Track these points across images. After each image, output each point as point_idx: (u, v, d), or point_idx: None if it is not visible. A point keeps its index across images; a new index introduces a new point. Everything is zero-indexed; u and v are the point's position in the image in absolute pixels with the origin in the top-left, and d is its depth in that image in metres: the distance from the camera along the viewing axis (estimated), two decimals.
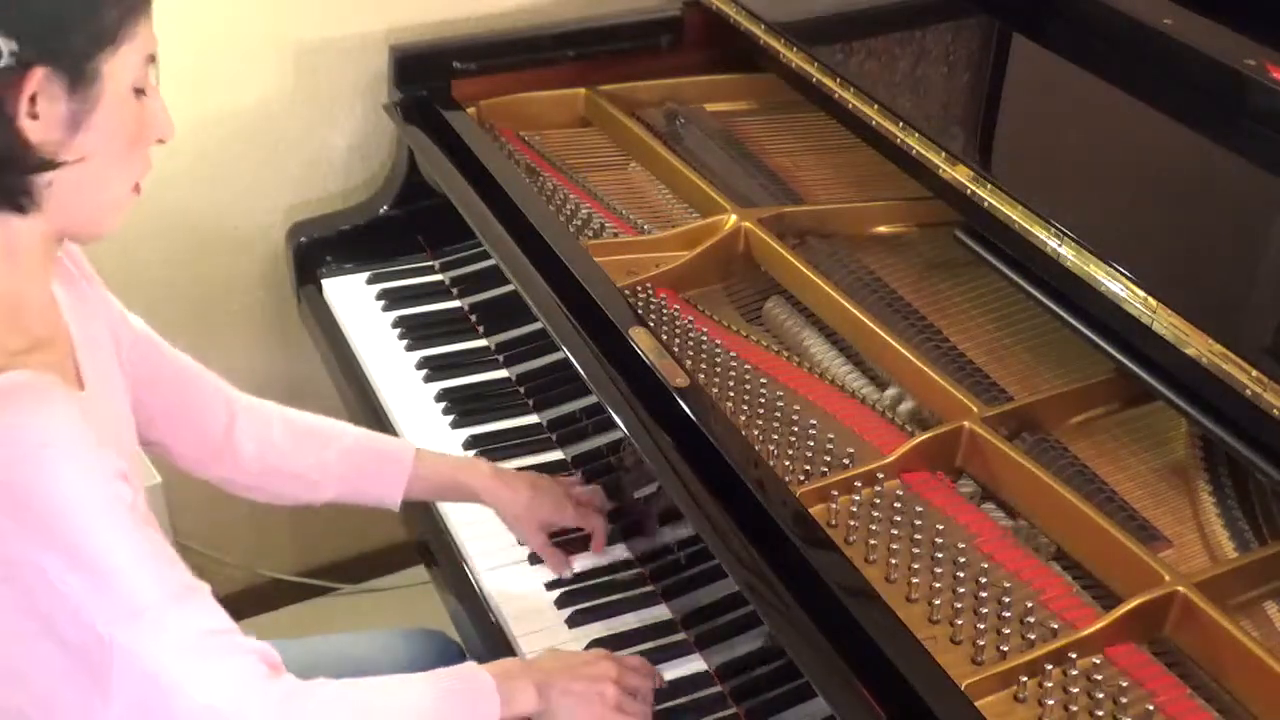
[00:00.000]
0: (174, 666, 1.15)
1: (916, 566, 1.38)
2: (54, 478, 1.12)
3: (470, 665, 1.34)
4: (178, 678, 1.15)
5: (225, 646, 1.19)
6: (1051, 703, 1.26)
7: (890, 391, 1.63)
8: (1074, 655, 1.28)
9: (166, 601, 1.15)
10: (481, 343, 1.96)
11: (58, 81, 1.12)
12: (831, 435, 1.54)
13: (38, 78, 1.10)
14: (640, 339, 1.56)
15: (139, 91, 1.19)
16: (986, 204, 1.57)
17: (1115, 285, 1.42)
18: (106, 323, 1.37)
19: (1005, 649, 1.30)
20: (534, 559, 1.62)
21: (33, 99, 1.11)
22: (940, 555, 1.40)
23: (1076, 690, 1.26)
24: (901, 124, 1.71)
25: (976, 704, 1.20)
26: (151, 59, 1.21)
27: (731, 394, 1.61)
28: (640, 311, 1.66)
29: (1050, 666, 1.28)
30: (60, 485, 1.12)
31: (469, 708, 1.29)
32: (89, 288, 1.35)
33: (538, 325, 1.72)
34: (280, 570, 2.53)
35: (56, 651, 1.19)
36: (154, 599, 1.15)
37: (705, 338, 1.69)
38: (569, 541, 1.63)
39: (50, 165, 1.15)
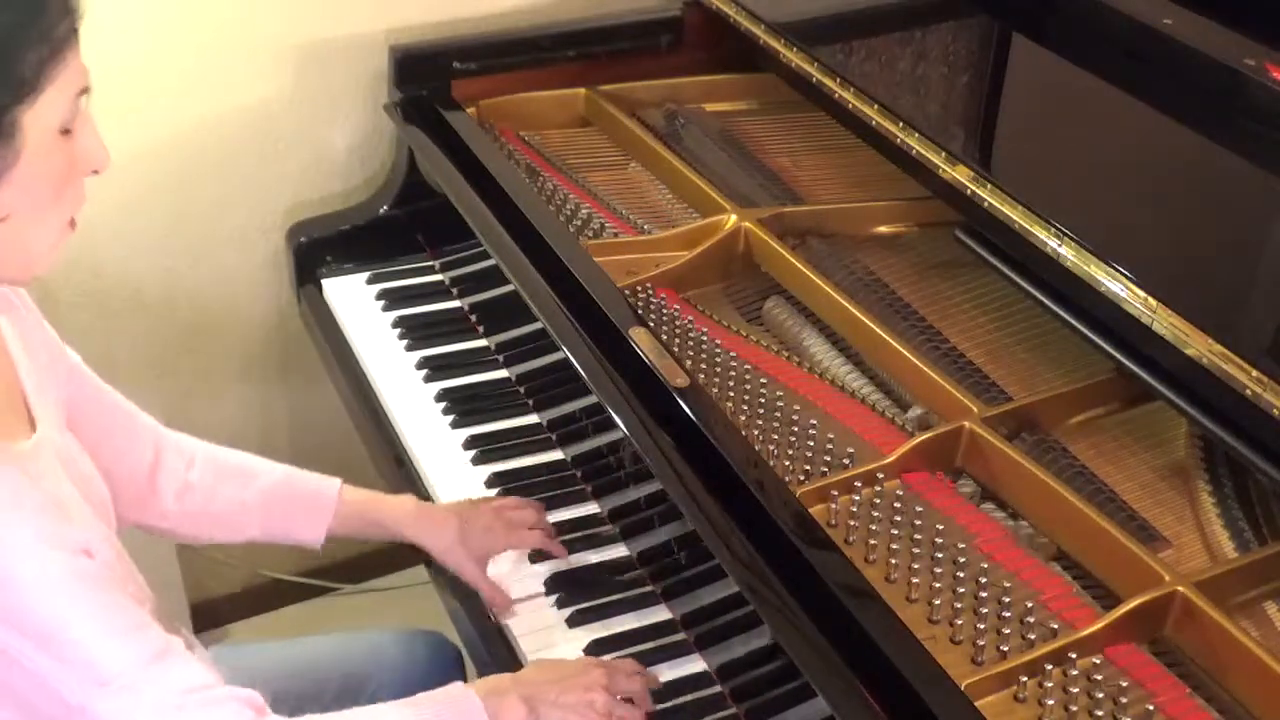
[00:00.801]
0: None
1: (916, 566, 1.38)
2: (7, 561, 1.10)
3: (458, 685, 1.33)
4: None
5: (203, 701, 1.17)
6: (1051, 703, 1.26)
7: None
8: (1074, 655, 1.28)
9: (137, 667, 1.14)
10: (481, 343, 1.96)
11: None
12: (831, 435, 1.54)
13: None
14: (640, 339, 1.56)
15: (66, 132, 1.12)
16: (986, 204, 1.57)
17: (1115, 285, 1.42)
18: (45, 346, 1.34)
19: (1005, 649, 1.30)
20: (534, 558, 1.61)
21: None
22: (940, 555, 1.40)
23: (1076, 690, 1.26)
24: (901, 124, 1.71)
25: (976, 704, 1.20)
26: (84, 91, 1.13)
27: (731, 394, 1.61)
28: (640, 311, 1.66)
29: (1050, 666, 1.28)
30: (12, 570, 1.10)
31: None
32: (27, 314, 1.32)
33: (538, 325, 1.72)
34: (280, 570, 2.53)
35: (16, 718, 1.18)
36: (123, 667, 1.13)
37: (705, 338, 1.69)
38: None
39: None
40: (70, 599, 1.12)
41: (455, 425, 1.81)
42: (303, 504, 1.56)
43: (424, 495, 1.71)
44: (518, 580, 1.59)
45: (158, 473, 1.51)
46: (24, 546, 1.11)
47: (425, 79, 2.06)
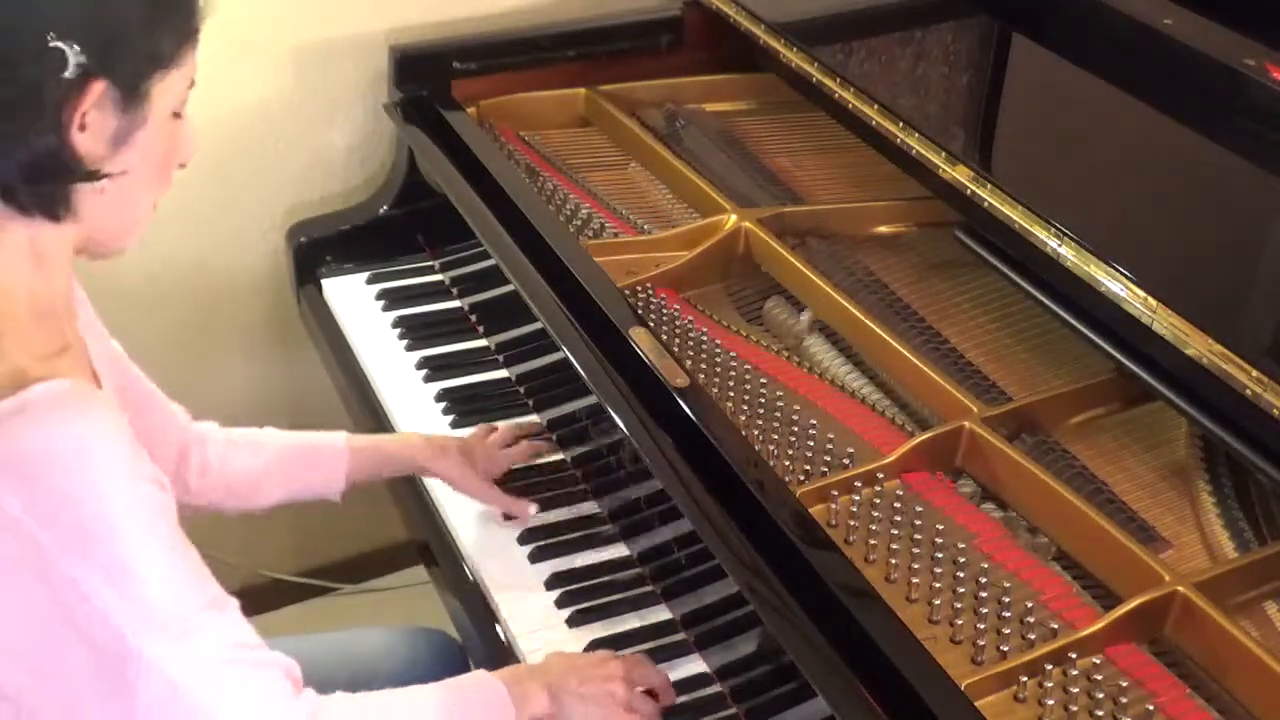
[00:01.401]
0: (200, 680, 1.15)
1: (916, 566, 1.38)
2: (93, 487, 1.12)
3: (481, 672, 1.35)
4: (203, 692, 1.15)
5: (251, 661, 1.19)
6: (1051, 703, 1.26)
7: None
8: (1074, 655, 1.28)
9: (197, 614, 1.16)
10: (481, 343, 1.96)
11: (112, 96, 1.14)
12: (831, 435, 1.54)
13: (96, 91, 1.12)
14: (640, 339, 1.56)
15: (176, 115, 1.21)
16: (986, 204, 1.57)
17: (1115, 285, 1.42)
18: (99, 338, 1.38)
19: (1005, 649, 1.30)
20: (534, 558, 1.61)
21: (85, 111, 1.12)
22: (940, 555, 1.40)
23: (1076, 690, 1.26)
24: (901, 124, 1.71)
25: (976, 704, 1.20)
26: (192, 84, 1.23)
27: (731, 394, 1.61)
28: (640, 311, 1.66)
29: (1050, 666, 1.28)
30: (98, 495, 1.12)
31: (486, 713, 1.29)
32: (85, 305, 1.36)
33: (538, 325, 1.72)
34: (280, 570, 2.53)
35: (86, 656, 1.19)
36: (184, 612, 1.15)
37: (705, 338, 1.69)
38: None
39: (92, 177, 1.16)
40: (148, 530, 1.14)
41: (455, 425, 1.81)
42: (316, 458, 1.60)
43: (424, 494, 1.71)
44: (518, 580, 1.59)
45: (186, 460, 1.54)
46: (117, 473, 1.13)
47: (425, 79, 2.06)
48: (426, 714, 1.27)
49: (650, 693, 1.40)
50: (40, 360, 1.15)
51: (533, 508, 1.64)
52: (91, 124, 1.13)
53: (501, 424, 1.74)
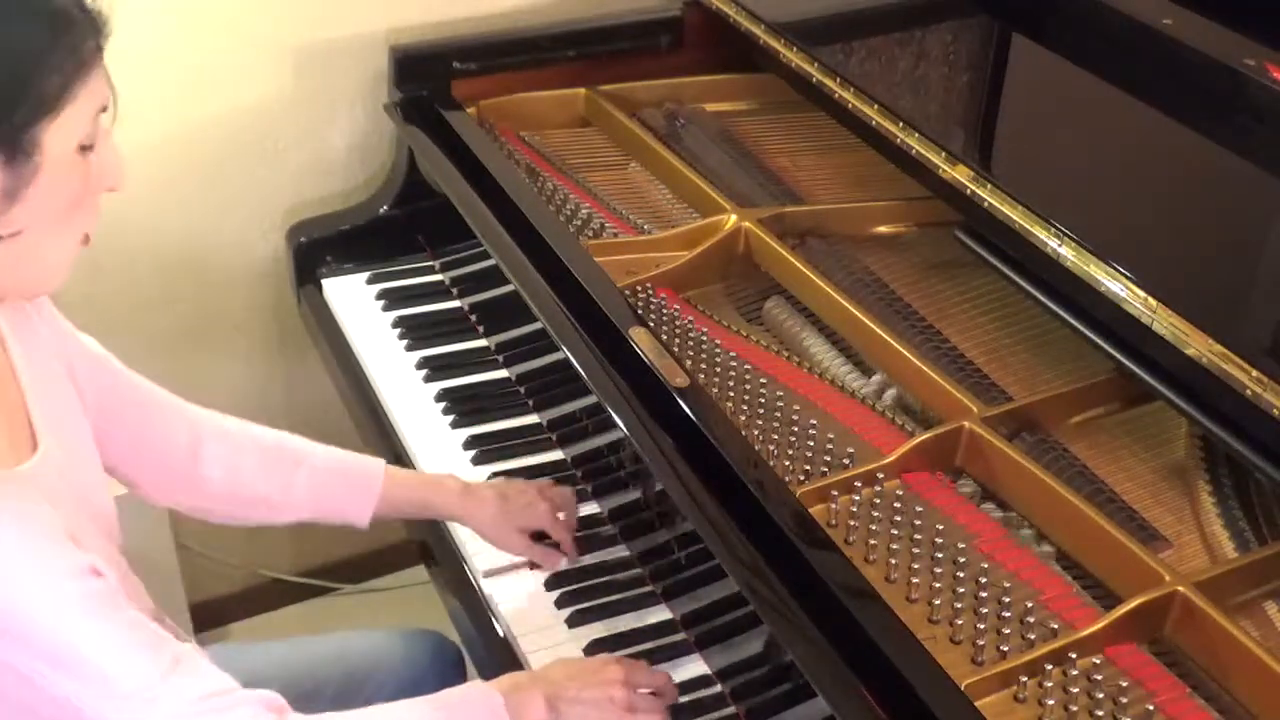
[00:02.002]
0: None
1: (916, 566, 1.38)
2: (13, 591, 1.09)
3: (478, 683, 1.33)
4: None
5: (222, 706, 1.17)
6: (1051, 703, 1.26)
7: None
8: (1074, 655, 1.28)
9: (155, 678, 1.14)
10: (481, 343, 1.96)
11: None
12: (831, 435, 1.54)
13: None
14: (640, 339, 1.56)
15: (85, 148, 1.13)
16: (986, 204, 1.57)
17: (1115, 285, 1.42)
18: (57, 351, 1.33)
19: (1005, 649, 1.30)
20: None
21: None
22: (940, 555, 1.40)
23: (1076, 690, 1.26)
24: (901, 124, 1.71)
25: (976, 704, 1.20)
26: (103, 109, 1.14)
27: (731, 394, 1.61)
28: (640, 311, 1.66)
29: (1050, 666, 1.28)
30: (23, 596, 1.10)
31: None
32: (34, 313, 1.30)
33: (538, 325, 1.72)
34: (280, 570, 2.53)
35: None
36: (141, 679, 1.13)
37: (705, 338, 1.69)
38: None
39: None
40: (84, 621, 1.12)
41: (455, 425, 1.82)
42: (350, 486, 1.56)
43: None
44: (517, 579, 1.59)
45: (199, 456, 1.50)
46: (35, 578, 1.10)
47: (425, 79, 2.07)
48: None
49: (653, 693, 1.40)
50: None
51: (564, 561, 1.59)
52: None
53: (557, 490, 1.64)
